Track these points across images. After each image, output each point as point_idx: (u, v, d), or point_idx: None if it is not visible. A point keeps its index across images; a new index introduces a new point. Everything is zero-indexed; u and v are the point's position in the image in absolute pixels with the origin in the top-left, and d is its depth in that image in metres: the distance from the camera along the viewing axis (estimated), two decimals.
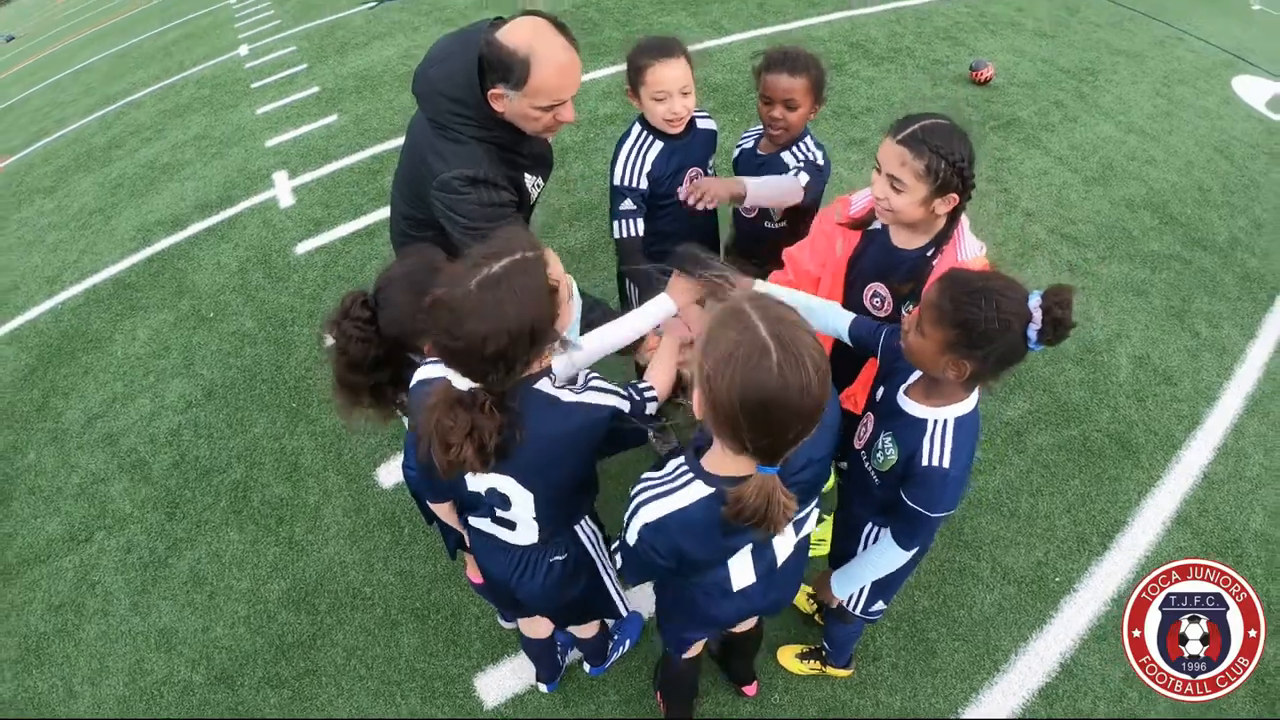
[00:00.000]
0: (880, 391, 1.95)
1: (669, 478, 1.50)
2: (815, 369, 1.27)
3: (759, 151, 2.70)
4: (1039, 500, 3.29)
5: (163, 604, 3.20)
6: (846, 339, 2.05)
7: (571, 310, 1.66)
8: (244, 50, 9.83)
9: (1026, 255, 4.66)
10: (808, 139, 2.62)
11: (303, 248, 5.26)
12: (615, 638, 2.80)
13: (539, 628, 2.44)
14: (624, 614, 2.26)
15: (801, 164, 2.56)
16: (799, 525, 1.71)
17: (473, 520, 1.91)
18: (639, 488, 1.53)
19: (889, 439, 1.83)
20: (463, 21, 8.75)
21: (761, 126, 2.67)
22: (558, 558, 1.95)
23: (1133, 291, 4.43)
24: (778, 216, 2.76)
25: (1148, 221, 5.04)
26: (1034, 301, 1.56)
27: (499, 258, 1.44)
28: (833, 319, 2.06)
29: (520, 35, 2.02)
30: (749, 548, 1.61)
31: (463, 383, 1.50)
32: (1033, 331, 1.56)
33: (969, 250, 2.05)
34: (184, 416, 4.08)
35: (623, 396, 1.70)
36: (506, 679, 2.79)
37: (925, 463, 1.72)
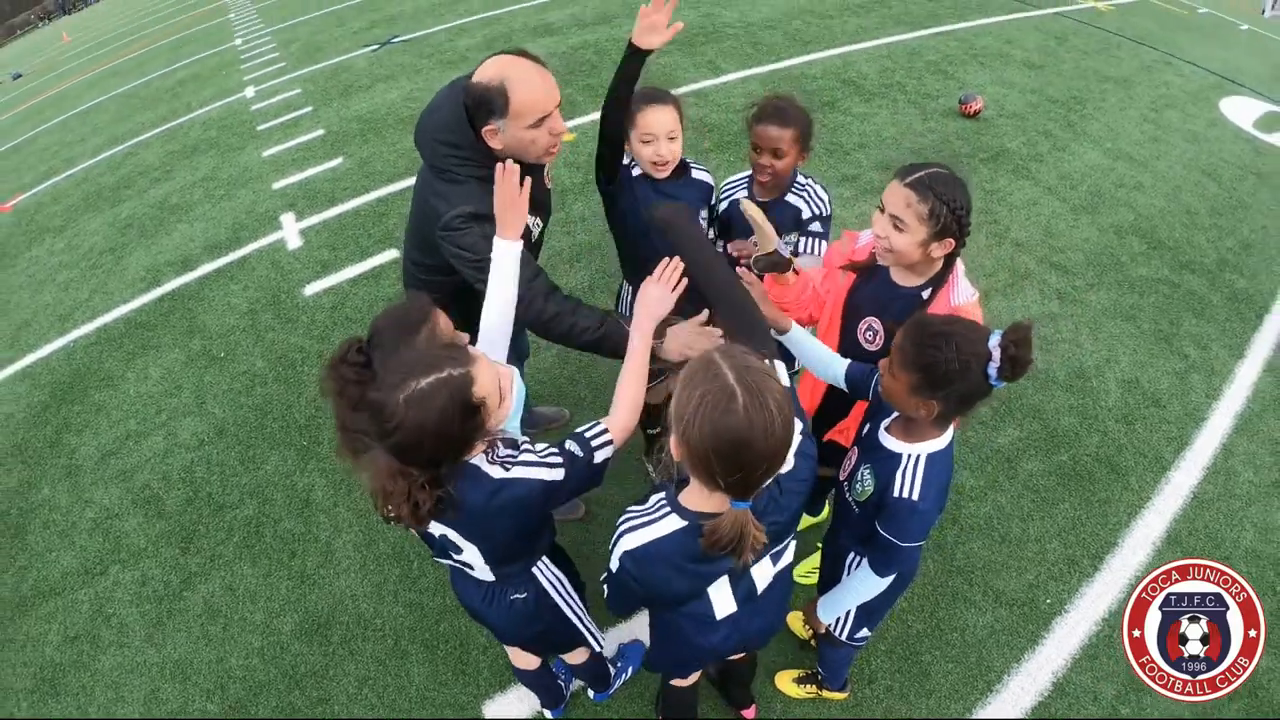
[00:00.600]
0: (866, 427, 2.06)
1: (648, 510, 1.61)
2: (779, 411, 1.37)
3: (759, 199, 2.78)
4: (1030, 525, 3.36)
5: (178, 636, 3.28)
6: (844, 385, 2.16)
7: (511, 402, 1.75)
8: (250, 92, 10.02)
9: (1016, 285, 4.76)
10: (814, 185, 2.75)
11: (311, 289, 5.38)
12: (618, 665, 2.87)
13: (523, 659, 2.51)
14: (597, 647, 2.35)
15: (812, 209, 2.71)
16: (776, 558, 1.78)
17: (438, 559, 2.02)
18: (623, 518, 1.63)
19: (867, 471, 1.95)
20: (464, 64, 9.01)
21: (749, 173, 2.79)
22: (517, 595, 2.06)
23: (1121, 317, 4.53)
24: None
25: (1136, 247, 5.15)
26: (993, 341, 1.66)
27: (426, 374, 1.55)
28: (835, 367, 2.18)
29: (490, 70, 2.17)
30: (725, 578, 1.69)
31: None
32: (993, 370, 1.66)
33: (962, 294, 2.16)
34: (196, 454, 4.18)
35: (557, 465, 1.75)
36: (514, 706, 2.86)
37: (896, 494, 1.84)
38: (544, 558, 2.09)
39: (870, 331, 2.35)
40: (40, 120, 13.08)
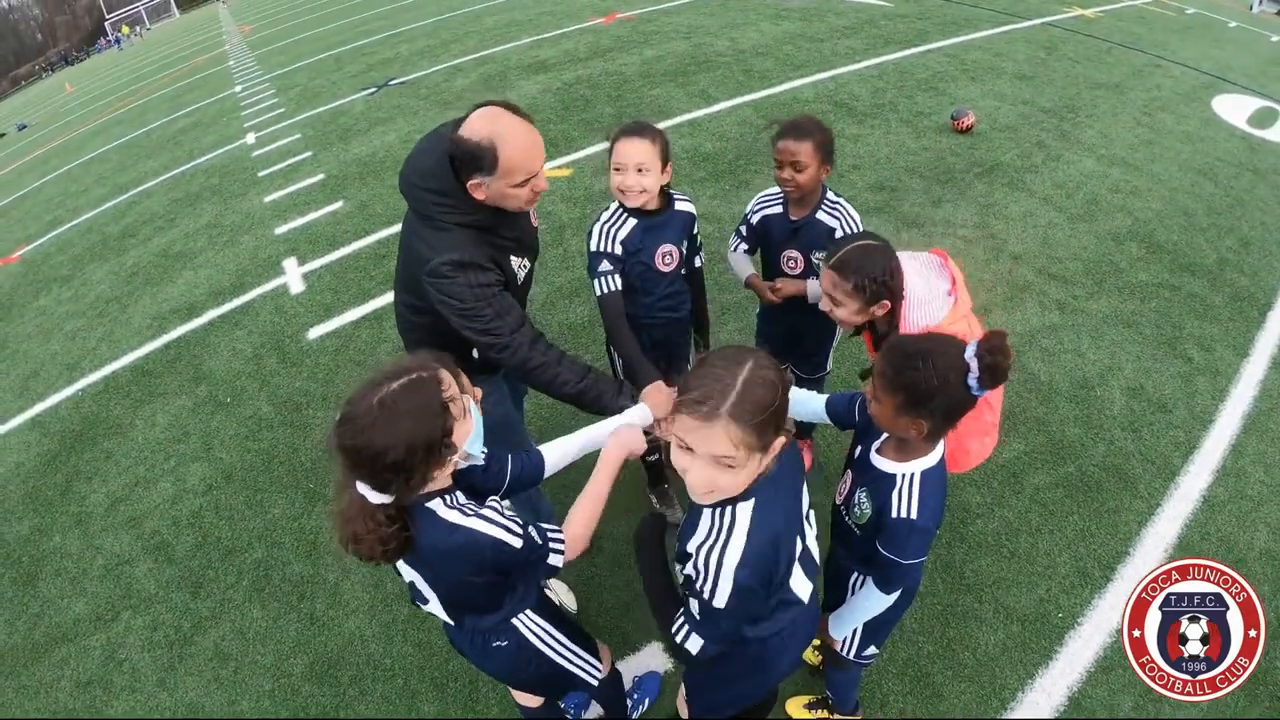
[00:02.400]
0: (857, 450, 2.08)
1: (720, 525, 1.59)
2: None
3: (791, 217, 2.89)
4: (1038, 539, 3.34)
5: (189, 680, 3.28)
6: (827, 419, 2.19)
7: (470, 424, 1.76)
8: (250, 139, 10.16)
9: (1015, 298, 4.76)
10: (847, 205, 2.83)
11: (315, 333, 5.43)
12: (634, 696, 2.84)
13: (525, 697, 2.47)
14: (594, 683, 2.31)
15: (844, 227, 2.78)
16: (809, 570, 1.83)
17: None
18: (688, 565, 1.62)
19: (863, 494, 1.97)
20: (460, 104, 9.13)
21: (777, 189, 2.89)
22: (499, 643, 2.05)
23: (1123, 324, 4.52)
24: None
25: (1135, 252, 5.15)
26: (969, 352, 1.71)
27: (396, 377, 1.61)
28: (813, 403, 2.22)
29: (480, 127, 2.18)
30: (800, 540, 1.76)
31: (372, 495, 1.64)
32: (972, 380, 1.71)
33: (913, 324, 2.28)
34: (205, 499, 4.20)
35: (517, 535, 1.76)
36: None
37: (894, 515, 1.86)
38: (526, 611, 2.08)
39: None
40: (45, 170, 13.30)
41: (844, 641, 2.25)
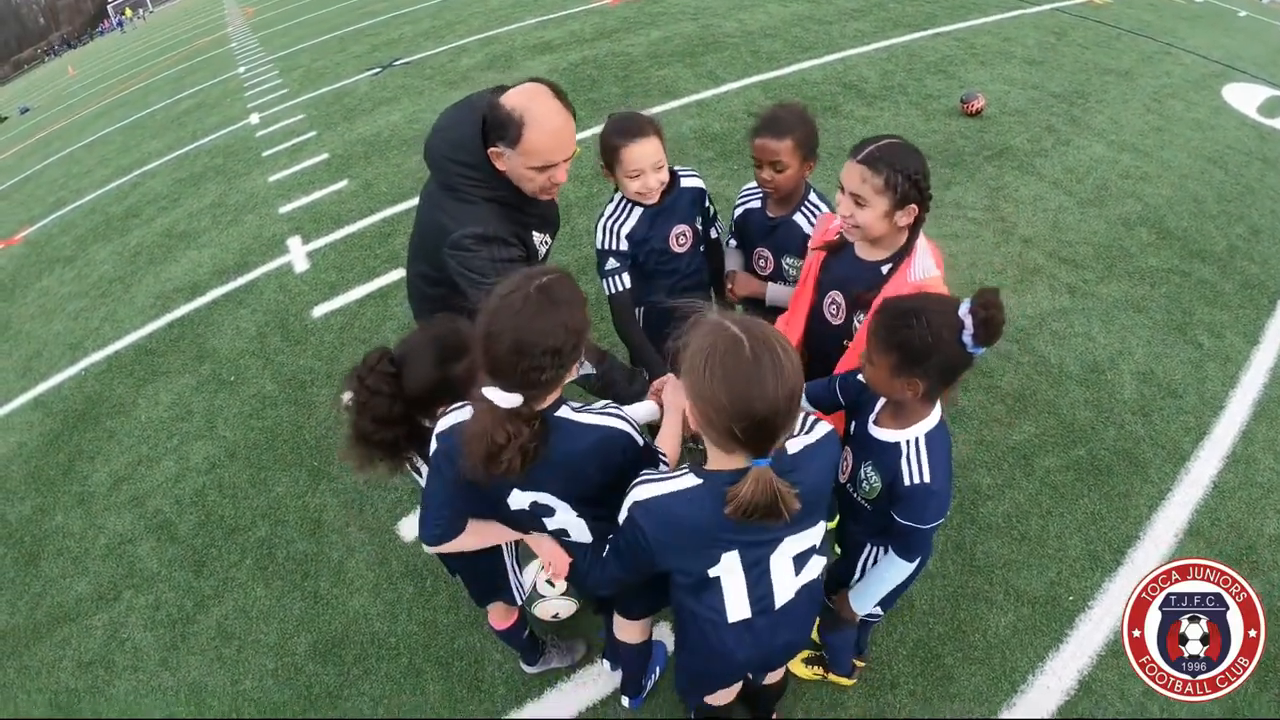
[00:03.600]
0: (853, 426, 2.06)
1: (666, 473, 1.63)
2: (785, 354, 1.41)
3: (769, 214, 2.74)
4: (1049, 521, 3.31)
5: (191, 659, 3.26)
6: (810, 410, 2.14)
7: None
8: (254, 119, 10.12)
9: (1025, 281, 4.72)
10: (813, 198, 2.68)
11: (319, 311, 5.40)
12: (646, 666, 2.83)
13: (632, 630, 2.45)
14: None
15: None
16: (801, 562, 1.73)
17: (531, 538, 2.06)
18: (636, 479, 1.65)
19: (869, 468, 1.93)
20: (466, 84, 9.09)
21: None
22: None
23: (1133, 308, 4.49)
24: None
25: (1145, 238, 5.11)
26: (964, 309, 1.67)
27: (544, 274, 1.63)
28: None
29: (518, 98, 2.16)
30: (739, 568, 1.66)
31: (505, 400, 1.61)
32: (968, 337, 1.67)
33: (920, 270, 2.17)
34: (208, 477, 4.18)
35: (640, 432, 1.82)
36: None
37: (908, 483, 1.83)
38: None
39: (834, 306, 2.38)
40: (48, 153, 13.27)
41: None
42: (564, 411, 1.75)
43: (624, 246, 2.71)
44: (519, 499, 1.87)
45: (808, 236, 2.61)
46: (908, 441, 1.85)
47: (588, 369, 1.93)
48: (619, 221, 2.71)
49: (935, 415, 1.86)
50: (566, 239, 5.49)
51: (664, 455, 1.91)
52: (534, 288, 1.58)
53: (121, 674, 3.27)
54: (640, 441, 1.81)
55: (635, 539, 1.62)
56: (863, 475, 1.96)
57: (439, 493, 1.91)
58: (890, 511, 1.91)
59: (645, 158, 2.53)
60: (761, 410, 1.40)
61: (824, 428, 1.66)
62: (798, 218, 2.66)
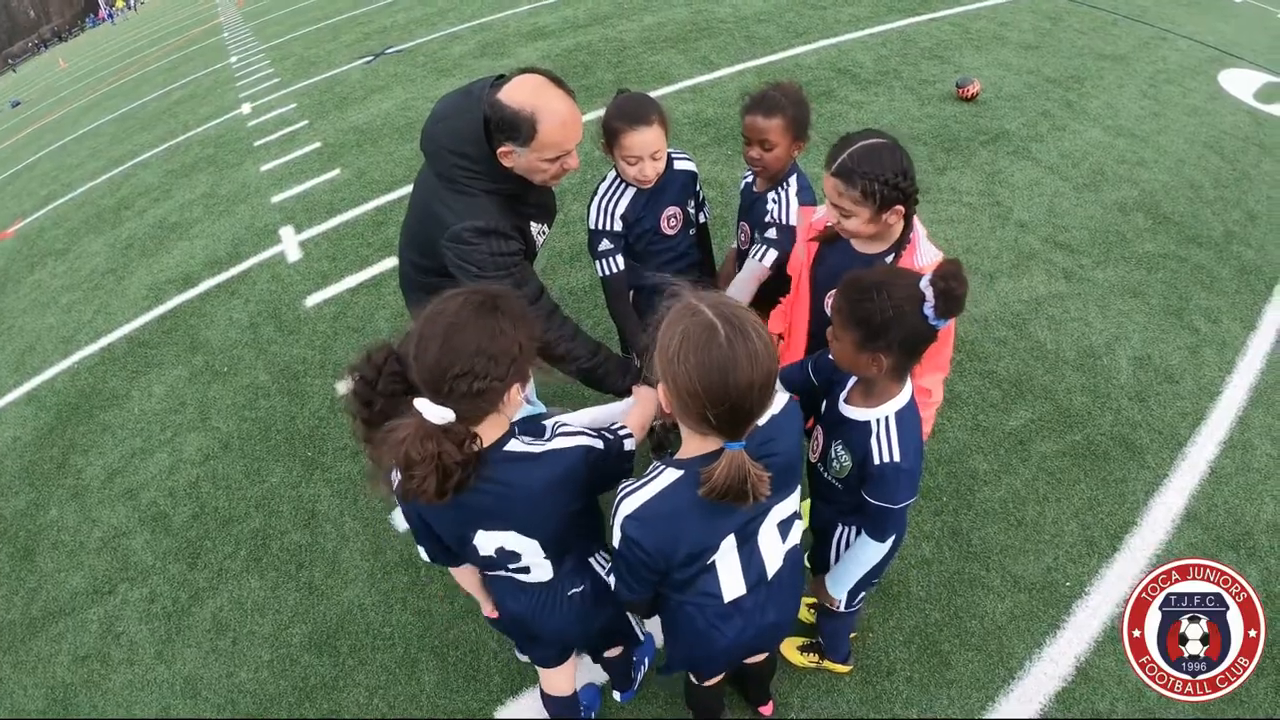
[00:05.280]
0: (824, 405, 2.06)
1: (644, 475, 1.61)
2: (759, 338, 1.41)
3: (754, 188, 2.77)
4: (1045, 507, 3.30)
5: (187, 651, 3.26)
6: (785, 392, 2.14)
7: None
8: (246, 109, 10.05)
9: (1022, 266, 4.70)
10: (792, 181, 2.65)
11: (312, 300, 5.37)
12: (634, 658, 2.82)
13: (559, 681, 2.40)
14: (641, 638, 2.33)
15: (774, 214, 2.62)
16: (785, 529, 1.77)
17: (490, 574, 2.00)
18: (619, 491, 1.63)
19: (840, 447, 1.95)
20: (459, 71, 9.03)
21: None
22: (575, 590, 1.99)
23: (1129, 294, 4.47)
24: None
25: (1141, 223, 5.09)
26: (924, 281, 1.68)
27: (491, 289, 1.60)
28: None
29: (522, 94, 2.14)
30: (734, 548, 1.67)
31: (434, 414, 1.51)
32: (929, 309, 1.68)
33: (926, 256, 2.16)
34: (202, 469, 4.16)
35: (593, 436, 1.77)
36: (526, 711, 2.81)
37: (878, 461, 1.84)
38: (599, 550, 2.06)
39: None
40: (40, 146, 13.19)
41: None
42: (514, 445, 1.68)
43: (618, 227, 2.70)
44: (484, 541, 1.77)
45: (770, 215, 2.62)
46: (878, 420, 1.86)
47: (534, 407, 1.88)
48: (613, 200, 2.70)
49: (906, 394, 1.87)
50: (559, 225, 5.44)
51: (627, 434, 1.87)
52: (474, 297, 1.55)
53: (117, 667, 3.27)
54: (601, 445, 1.77)
55: (635, 556, 1.61)
56: (834, 454, 1.97)
57: (415, 520, 1.86)
58: (861, 491, 1.92)
59: (645, 146, 2.52)
60: (736, 396, 1.40)
61: (783, 396, 1.67)
62: (770, 194, 2.65)
